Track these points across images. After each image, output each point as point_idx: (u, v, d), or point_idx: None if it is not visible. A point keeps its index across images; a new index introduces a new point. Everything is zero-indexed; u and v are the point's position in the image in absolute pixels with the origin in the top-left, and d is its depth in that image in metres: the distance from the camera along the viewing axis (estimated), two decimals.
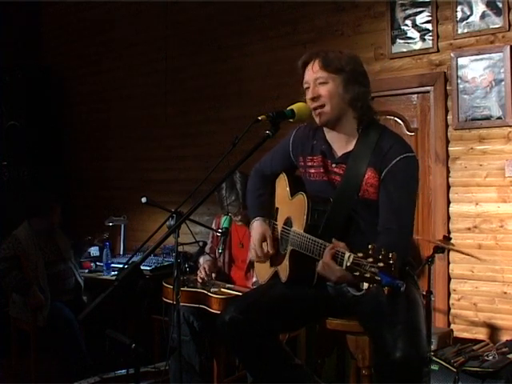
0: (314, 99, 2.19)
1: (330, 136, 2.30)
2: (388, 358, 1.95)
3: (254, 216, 2.53)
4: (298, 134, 2.43)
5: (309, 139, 2.37)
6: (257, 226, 2.48)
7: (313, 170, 2.33)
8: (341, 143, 2.27)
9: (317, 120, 2.23)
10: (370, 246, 1.78)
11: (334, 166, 2.27)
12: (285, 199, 2.46)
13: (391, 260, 1.73)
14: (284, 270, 2.32)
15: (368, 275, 1.75)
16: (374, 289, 1.77)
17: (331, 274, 1.97)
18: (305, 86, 2.25)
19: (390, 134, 2.25)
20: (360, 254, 1.80)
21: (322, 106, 2.19)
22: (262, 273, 2.55)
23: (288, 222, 2.39)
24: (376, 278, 1.72)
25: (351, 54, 2.28)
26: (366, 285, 1.77)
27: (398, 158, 2.14)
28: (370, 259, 1.75)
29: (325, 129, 2.30)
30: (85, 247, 4.58)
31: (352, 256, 1.82)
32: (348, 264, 1.83)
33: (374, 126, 2.25)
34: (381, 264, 1.72)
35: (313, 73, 2.19)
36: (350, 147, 2.24)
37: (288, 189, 2.44)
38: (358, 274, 1.78)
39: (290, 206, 2.41)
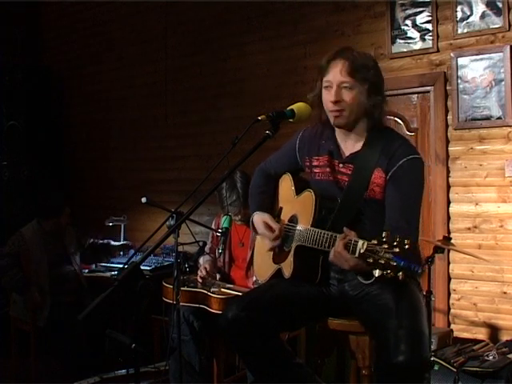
0: (336, 102, 2.19)
1: (340, 136, 2.32)
2: (390, 361, 1.95)
3: (253, 211, 2.54)
4: (305, 134, 2.44)
5: (316, 139, 2.38)
6: (257, 218, 2.49)
7: (318, 170, 2.35)
8: (350, 144, 2.30)
9: (332, 120, 2.24)
10: (384, 234, 1.80)
11: (341, 166, 2.29)
12: (289, 198, 2.47)
13: (406, 245, 1.76)
14: (288, 266, 2.32)
15: (382, 261, 1.77)
16: (385, 278, 1.79)
17: (344, 263, 1.99)
18: (325, 84, 2.23)
19: (397, 136, 2.31)
20: (374, 242, 1.82)
21: (342, 111, 2.20)
22: (262, 271, 2.55)
23: (293, 220, 2.40)
24: (391, 263, 1.75)
25: (375, 60, 2.29)
26: (377, 273, 1.79)
27: (404, 159, 2.18)
28: (385, 245, 1.78)
29: (336, 129, 2.32)
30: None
31: (366, 243, 1.85)
32: (361, 251, 1.86)
33: (380, 126, 2.28)
34: (396, 249, 1.76)
35: (340, 76, 2.16)
36: (358, 147, 2.27)
37: (293, 188, 2.45)
38: (371, 260, 1.81)
39: (295, 204, 2.41)
